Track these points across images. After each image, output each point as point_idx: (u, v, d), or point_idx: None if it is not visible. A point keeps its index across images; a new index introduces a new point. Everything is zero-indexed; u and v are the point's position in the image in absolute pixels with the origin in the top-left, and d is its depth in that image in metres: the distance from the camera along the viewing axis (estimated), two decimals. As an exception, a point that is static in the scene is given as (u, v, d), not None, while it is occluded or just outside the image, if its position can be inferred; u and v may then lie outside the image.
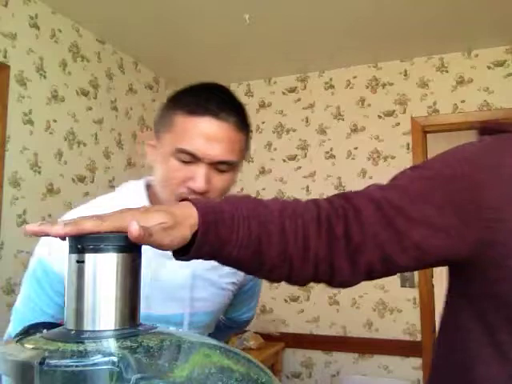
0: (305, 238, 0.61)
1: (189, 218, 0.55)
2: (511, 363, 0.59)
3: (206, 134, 0.81)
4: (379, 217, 0.61)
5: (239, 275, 0.97)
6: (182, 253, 0.57)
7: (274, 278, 0.64)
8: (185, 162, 0.82)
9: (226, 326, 1.18)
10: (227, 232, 0.57)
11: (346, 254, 0.61)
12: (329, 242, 0.61)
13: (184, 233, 0.54)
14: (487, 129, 0.68)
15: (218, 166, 0.83)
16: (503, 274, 0.59)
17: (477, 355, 0.62)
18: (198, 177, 0.81)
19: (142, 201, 0.89)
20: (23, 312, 0.88)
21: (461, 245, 0.60)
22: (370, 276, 0.65)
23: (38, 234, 0.47)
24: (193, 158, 0.82)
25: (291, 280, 0.65)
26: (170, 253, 0.57)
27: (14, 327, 0.88)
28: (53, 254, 0.85)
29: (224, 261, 0.61)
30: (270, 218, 0.60)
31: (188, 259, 0.58)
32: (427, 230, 0.60)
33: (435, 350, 0.73)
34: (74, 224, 0.46)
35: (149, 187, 0.92)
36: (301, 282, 0.65)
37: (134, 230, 0.46)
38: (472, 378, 0.62)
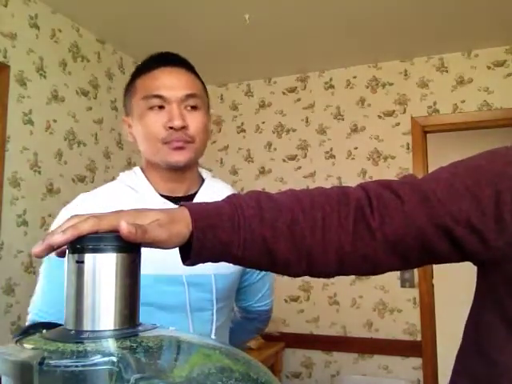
0: (325, 232, 0.59)
1: (185, 217, 0.56)
2: None
3: (165, 77, 0.94)
4: (425, 209, 0.59)
5: None
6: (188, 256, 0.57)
7: (292, 274, 0.63)
8: (158, 109, 0.93)
9: (245, 318, 1.18)
10: (227, 234, 0.57)
11: (384, 244, 0.60)
12: (360, 233, 0.59)
13: (180, 229, 0.54)
14: None
15: (186, 102, 0.94)
16: None
17: (504, 348, 0.62)
18: (173, 115, 0.92)
19: (139, 178, 0.99)
20: (42, 297, 0.90)
21: (491, 245, 0.59)
22: (404, 264, 0.63)
23: (45, 251, 0.48)
24: (162, 101, 0.93)
25: (313, 274, 0.63)
26: None
27: (34, 313, 0.90)
28: None
29: (233, 262, 0.60)
30: (276, 214, 0.59)
31: (192, 263, 0.58)
32: (465, 228, 0.59)
33: (461, 345, 0.72)
34: (73, 228, 0.46)
35: (142, 170, 1.02)
36: (324, 275, 0.64)
37: (123, 227, 0.46)
38: (498, 368, 0.63)
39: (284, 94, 3.41)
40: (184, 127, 0.92)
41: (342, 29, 2.68)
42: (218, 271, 0.95)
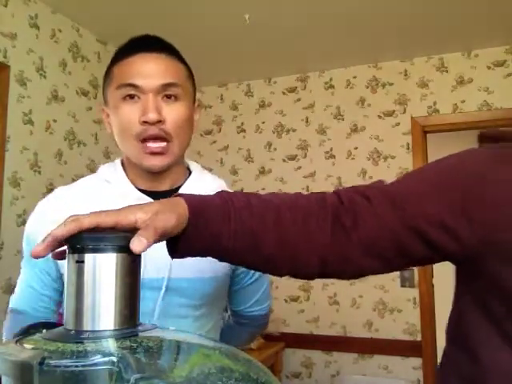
0: (307, 232, 0.61)
1: (181, 204, 0.56)
2: None
3: (141, 64, 0.84)
4: (396, 211, 0.61)
5: None
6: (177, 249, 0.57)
7: (277, 273, 0.64)
8: (132, 100, 0.84)
9: (237, 323, 1.08)
10: (218, 224, 0.57)
11: (360, 246, 0.61)
12: (337, 235, 0.61)
13: (183, 212, 0.55)
14: (487, 136, 0.69)
15: (163, 92, 0.84)
16: (506, 269, 0.60)
17: (486, 344, 0.64)
18: (147, 107, 0.82)
19: (118, 172, 0.92)
20: (18, 292, 0.94)
21: (465, 243, 0.61)
22: (384, 267, 0.64)
23: (48, 248, 0.48)
24: (137, 91, 0.83)
25: (297, 274, 0.64)
26: None
27: (12, 304, 0.93)
28: (36, 227, 0.87)
29: (222, 255, 0.61)
30: (264, 209, 0.60)
31: (183, 255, 0.58)
32: (438, 228, 0.60)
33: (446, 344, 0.74)
34: (74, 221, 0.47)
35: (122, 162, 0.95)
36: (307, 276, 0.65)
37: (136, 249, 0.46)
38: (482, 364, 0.64)
39: (284, 94, 3.41)
40: (160, 121, 0.82)
41: (342, 29, 2.68)
42: (192, 275, 0.85)
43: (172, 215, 0.52)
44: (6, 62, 2.16)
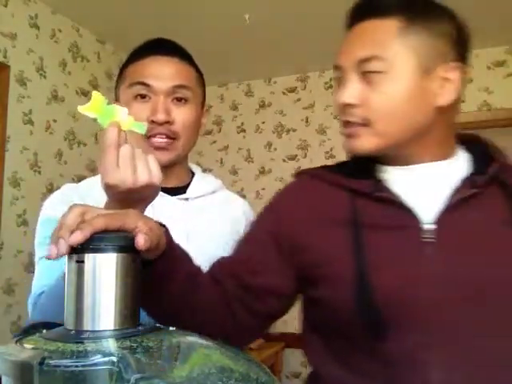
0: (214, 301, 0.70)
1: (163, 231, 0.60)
2: (345, 363, 0.69)
3: (154, 66, 0.89)
4: (234, 281, 0.70)
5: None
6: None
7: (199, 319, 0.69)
8: (142, 99, 0.87)
9: None
10: (182, 254, 0.64)
11: (227, 311, 0.70)
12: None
13: (164, 237, 0.59)
14: (302, 174, 0.79)
15: (174, 95, 0.88)
16: (315, 290, 0.70)
17: (323, 361, 0.72)
18: (157, 108, 0.86)
19: None
20: (43, 267, 0.83)
21: (286, 277, 0.71)
22: (255, 334, 0.78)
23: (60, 254, 0.47)
24: (148, 90, 0.87)
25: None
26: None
27: (37, 282, 0.83)
28: (58, 209, 0.83)
29: (166, 288, 0.63)
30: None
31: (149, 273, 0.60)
32: (263, 274, 0.71)
33: None
34: (88, 226, 0.46)
35: None
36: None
37: (141, 244, 0.48)
38: (321, 379, 0.72)
39: (284, 94, 3.41)
40: (168, 122, 0.86)
41: (341, 29, 2.68)
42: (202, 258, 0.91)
43: (163, 236, 0.58)
44: (5, 62, 2.16)
